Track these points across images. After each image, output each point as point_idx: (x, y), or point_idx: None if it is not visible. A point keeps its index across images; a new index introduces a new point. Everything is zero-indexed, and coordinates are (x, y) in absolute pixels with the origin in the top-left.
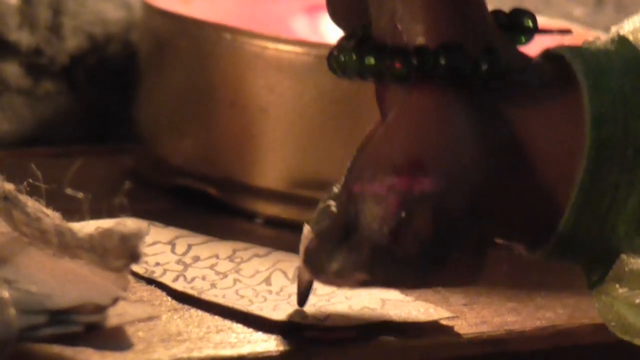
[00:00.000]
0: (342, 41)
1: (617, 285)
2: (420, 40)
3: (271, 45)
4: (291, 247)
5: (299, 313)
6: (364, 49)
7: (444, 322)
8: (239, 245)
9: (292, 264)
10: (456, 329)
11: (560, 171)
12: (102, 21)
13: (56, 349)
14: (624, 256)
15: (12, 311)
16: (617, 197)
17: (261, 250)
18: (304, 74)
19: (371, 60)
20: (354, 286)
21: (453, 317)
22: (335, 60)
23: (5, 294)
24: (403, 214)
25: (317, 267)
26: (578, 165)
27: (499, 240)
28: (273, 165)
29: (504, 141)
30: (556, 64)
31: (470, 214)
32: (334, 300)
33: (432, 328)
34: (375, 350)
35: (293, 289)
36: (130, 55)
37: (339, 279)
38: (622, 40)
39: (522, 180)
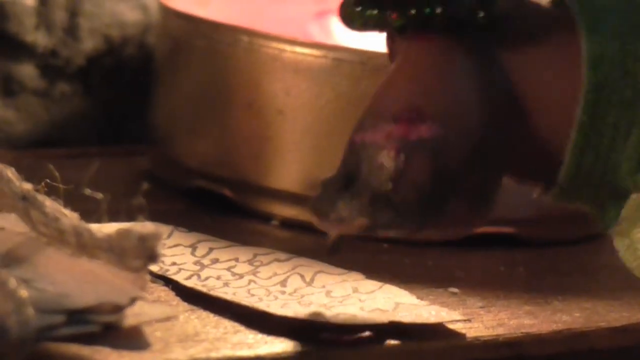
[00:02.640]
0: None
1: (636, 228)
2: None
3: (288, 47)
4: (307, 249)
5: (310, 312)
6: (367, 1)
7: (459, 325)
8: (261, 250)
9: (311, 268)
10: (473, 331)
11: (561, 114)
12: (118, 23)
13: (74, 348)
14: (634, 196)
15: (30, 311)
16: (617, 137)
17: (282, 255)
18: (320, 76)
19: (373, 13)
20: (356, 231)
21: (465, 320)
22: (343, 13)
23: (24, 293)
24: (401, 160)
25: (321, 214)
26: (577, 107)
27: (516, 180)
28: (289, 167)
29: (502, 86)
30: (556, 7)
31: (468, 160)
32: (347, 302)
33: (448, 330)
34: (390, 352)
35: (307, 290)
36: (147, 57)
37: (341, 225)
38: None
39: (522, 125)
